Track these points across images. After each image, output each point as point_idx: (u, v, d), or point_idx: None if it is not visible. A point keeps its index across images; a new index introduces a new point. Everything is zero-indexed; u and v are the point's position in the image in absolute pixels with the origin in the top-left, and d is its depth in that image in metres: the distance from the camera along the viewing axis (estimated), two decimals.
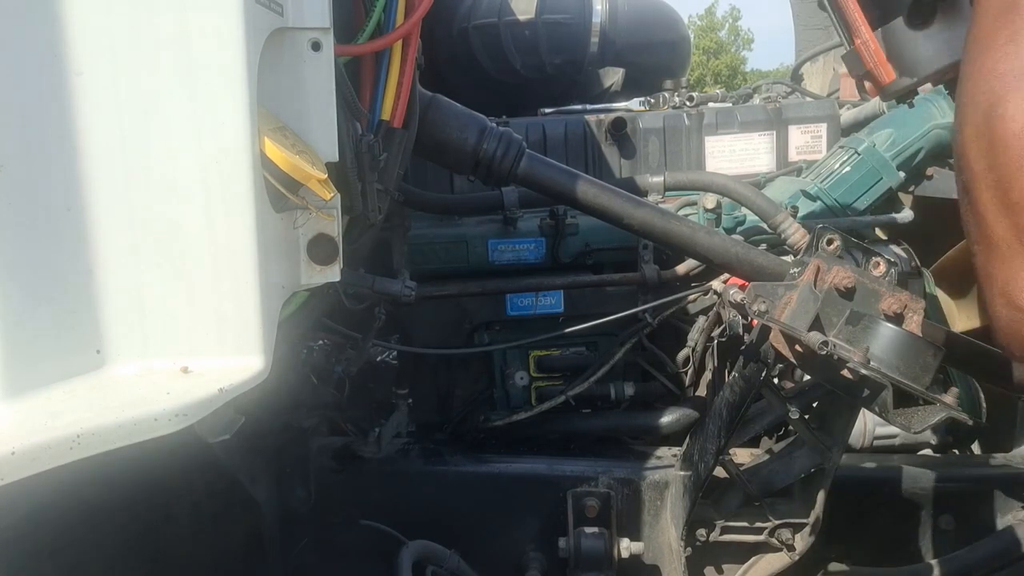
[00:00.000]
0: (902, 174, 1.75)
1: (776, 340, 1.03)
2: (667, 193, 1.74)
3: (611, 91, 2.16)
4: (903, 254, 1.73)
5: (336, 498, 1.48)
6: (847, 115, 1.94)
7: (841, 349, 0.94)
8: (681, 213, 1.66)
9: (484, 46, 2.03)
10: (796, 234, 1.50)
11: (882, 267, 1.03)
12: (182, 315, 0.70)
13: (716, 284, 1.62)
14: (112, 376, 0.68)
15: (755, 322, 1.07)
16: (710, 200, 1.62)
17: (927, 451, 1.66)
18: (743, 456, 1.44)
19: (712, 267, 1.33)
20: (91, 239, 0.66)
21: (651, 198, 1.72)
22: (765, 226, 1.59)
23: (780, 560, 1.32)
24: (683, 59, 2.26)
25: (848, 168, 1.71)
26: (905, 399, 0.94)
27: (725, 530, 1.31)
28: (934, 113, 1.72)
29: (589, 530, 1.38)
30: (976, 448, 1.73)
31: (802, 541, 1.29)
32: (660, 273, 1.65)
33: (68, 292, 0.66)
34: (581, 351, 1.70)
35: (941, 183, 1.70)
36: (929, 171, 1.74)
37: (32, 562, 1.07)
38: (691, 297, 1.66)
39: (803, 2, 2.58)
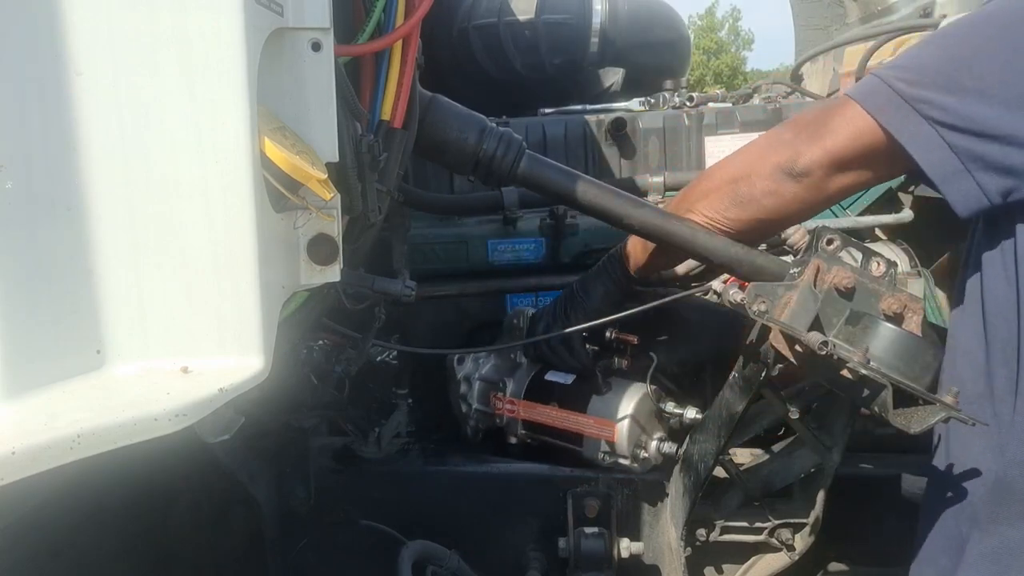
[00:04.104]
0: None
1: (776, 340, 1.03)
2: (667, 193, 1.74)
3: (611, 91, 2.16)
4: (903, 254, 1.73)
5: (336, 498, 1.48)
6: None
7: (841, 349, 0.94)
8: None
9: (484, 46, 2.03)
10: (796, 234, 1.49)
11: (882, 267, 1.04)
12: (182, 315, 0.70)
13: (716, 284, 1.61)
14: (112, 376, 0.68)
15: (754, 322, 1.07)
16: None
17: None
18: (743, 456, 1.43)
19: (712, 267, 1.33)
20: (91, 239, 0.66)
21: (651, 198, 1.72)
22: None
23: (780, 560, 1.32)
24: (683, 59, 2.26)
25: None
26: (905, 399, 0.94)
27: (725, 530, 1.31)
28: None
29: (589, 530, 1.38)
30: None
31: (802, 541, 1.29)
32: (660, 273, 1.65)
33: (68, 292, 0.66)
34: None
35: None
36: None
37: (32, 562, 1.07)
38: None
39: (803, 2, 2.58)
